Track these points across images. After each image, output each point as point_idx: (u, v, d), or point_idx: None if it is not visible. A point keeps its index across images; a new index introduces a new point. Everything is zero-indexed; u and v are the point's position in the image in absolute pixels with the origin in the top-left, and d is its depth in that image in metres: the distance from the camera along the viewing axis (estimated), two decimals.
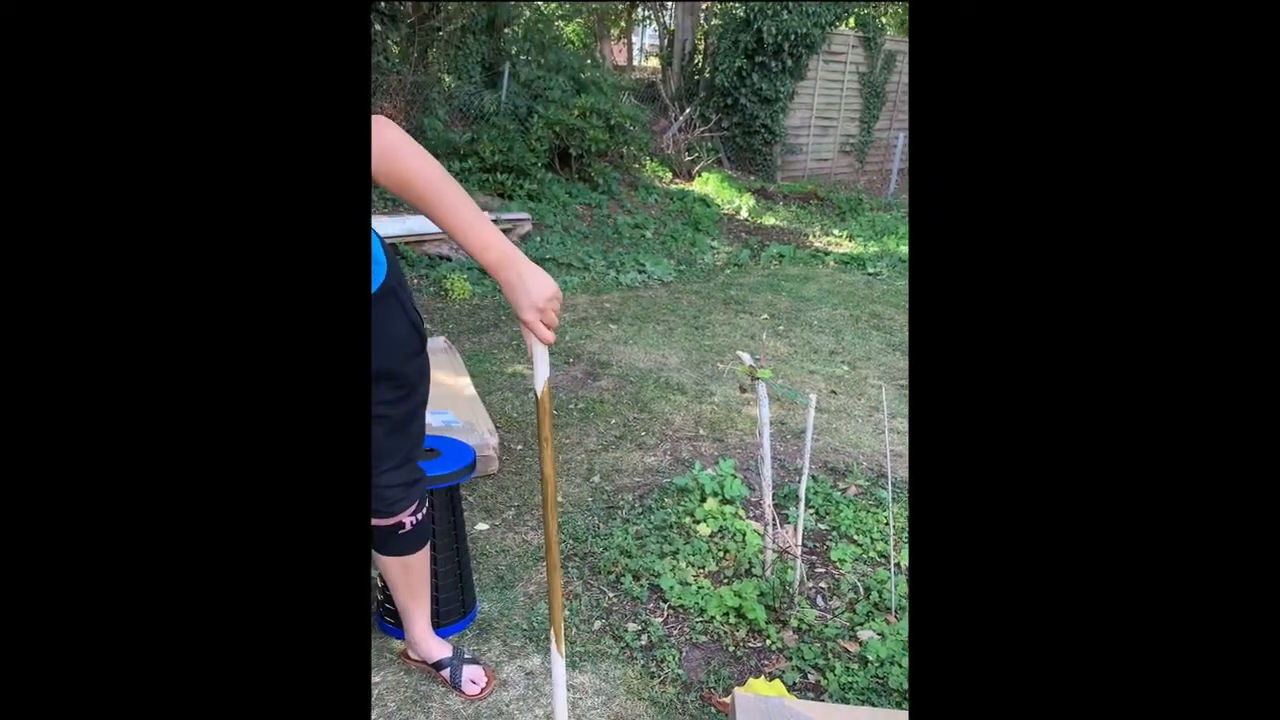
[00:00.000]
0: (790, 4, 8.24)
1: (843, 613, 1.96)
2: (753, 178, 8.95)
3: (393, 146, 1.07)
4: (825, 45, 8.94)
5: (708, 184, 8.16)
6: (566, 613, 1.97)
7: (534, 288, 1.09)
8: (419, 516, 1.55)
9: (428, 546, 1.62)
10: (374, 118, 1.06)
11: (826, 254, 6.47)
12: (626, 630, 1.90)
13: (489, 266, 1.11)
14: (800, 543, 1.94)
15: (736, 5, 8.48)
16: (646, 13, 11.57)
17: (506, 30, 7.57)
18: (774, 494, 2.53)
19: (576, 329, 4.24)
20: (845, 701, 1.67)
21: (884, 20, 10.25)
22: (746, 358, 1.75)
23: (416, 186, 1.08)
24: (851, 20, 9.28)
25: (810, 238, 7.08)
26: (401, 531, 1.53)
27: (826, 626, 1.89)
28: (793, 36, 8.40)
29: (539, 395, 1.14)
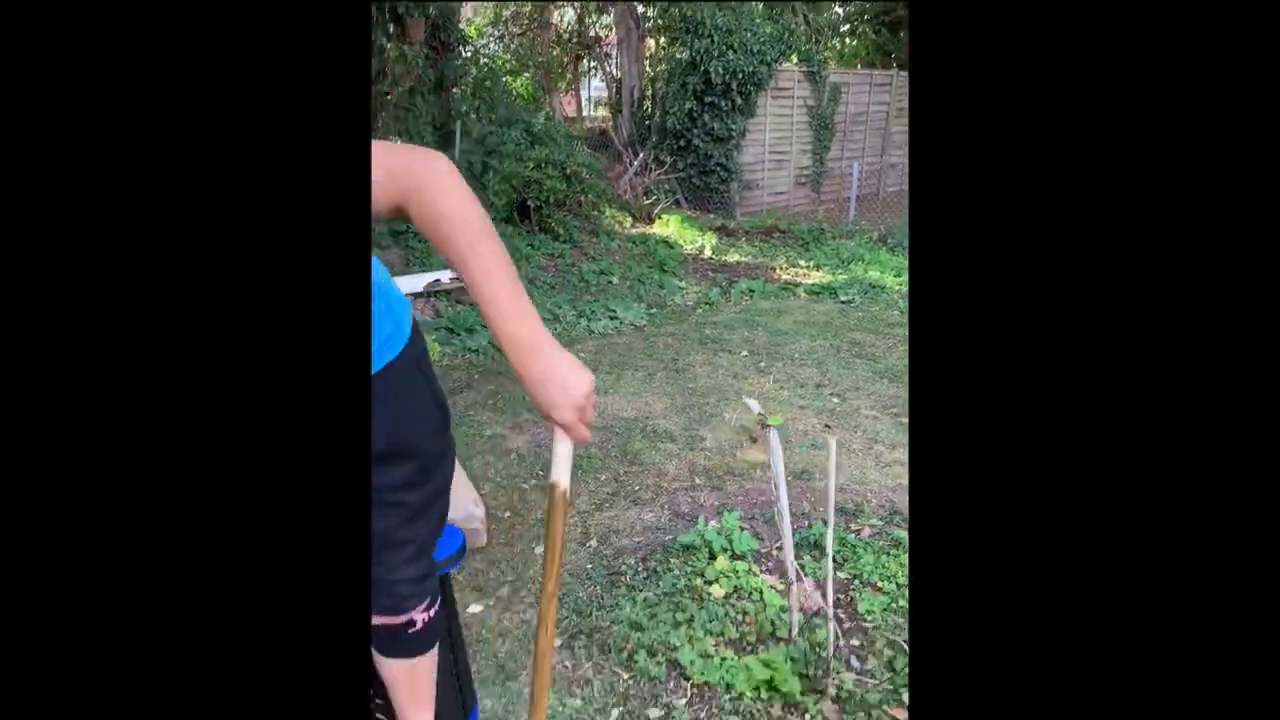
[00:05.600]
0: (735, 43, 8.35)
1: (883, 674, 1.78)
2: (712, 216, 8.95)
3: (442, 182, 0.90)
4: (772, 82, 9.06)
5: (669, 225, 8.12)
6: (578, 701, 1.77)
7: (573, 382, 0.90)
8: (431, 613, 1.34)
9: (436, 646, 1.42)
10: (425, 150, 0.91)
11: (796, 285, 6.42)
12: (647, 718, 1.70)
13: (515, 348, 0.91)
14: (831, 599, 1.78)
15: (681, 49, 8.57)
16: (591, 63, 11.68)
17: (455, 89, 7.52)
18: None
19: None
20: None
21: (826, 54, 10.47)
22: (754, 405, 1.60)
23: (455, 232, 0.90)
24: (795, 57, 9.45)
25: (777, 270, 7.04)
26: (412, 630, 1.32)
27: (868, 692, 1.71)
28: (740, 75, 8.50)
29: (557, 494, 0.94)
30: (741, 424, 3.38)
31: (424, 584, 1.30)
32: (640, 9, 9.44)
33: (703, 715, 1.71)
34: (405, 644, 1.33)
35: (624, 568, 2.31)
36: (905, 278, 6.44)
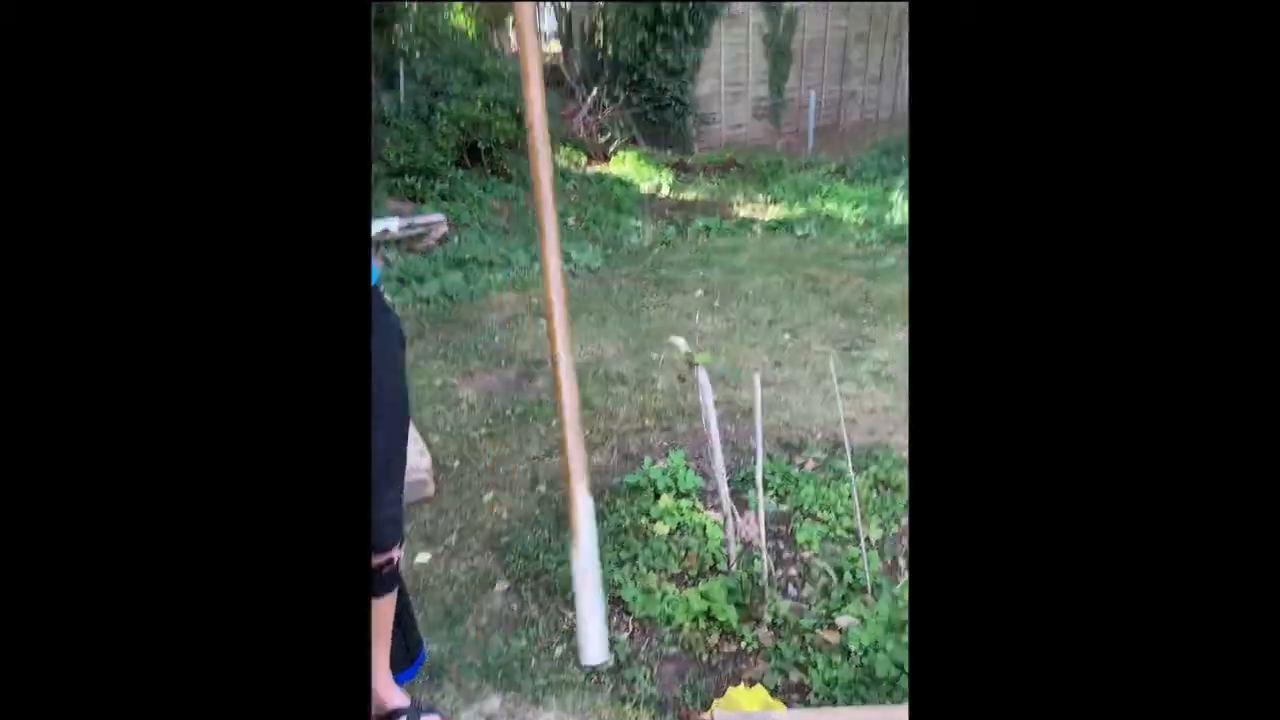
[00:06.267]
0: None
1: (818, 600, 1.84)
2: (669, 152, 8.80)
3: None
4: (726, 10, 8.82)
5: (625, 164, 7.98)
6: (523, 642, 1.81)
7: None
8: (401, 552, 1.41)
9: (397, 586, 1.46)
10: None
11: (753, 221, 6.38)
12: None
13: None
14: (764, 532, 1.82)
15: None
16: None
17: (396, 27, 7.22)
18: (730, 481, 2.41)
19: (507, 329, 4.04)
20: (832, 699, 1.55)
21: None
22: (681, 343, 1.60)
23: None
24: None
25: (735, 207, 6.99)
26: (386, 570, 1.37)
27: (803, 618, 1.77)
28: (691, 4, 8.26)
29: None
30: (673, 363, 3.40)
31: (402, 524, 1.41)
32: None
33: (643, 646, 1.76)
34: (381, 582, 1.38)
35: None
36: (863, 209, 6.44)
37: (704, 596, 1.80)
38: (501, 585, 2.04)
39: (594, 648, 0.70)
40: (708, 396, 1.65)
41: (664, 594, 1.88)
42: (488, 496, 2.47)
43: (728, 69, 9.41)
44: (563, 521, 2.29)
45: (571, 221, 6.31)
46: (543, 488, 2.51)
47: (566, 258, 5.38)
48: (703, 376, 1.64)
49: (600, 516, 2.29)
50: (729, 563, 1.94)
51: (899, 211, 6.28)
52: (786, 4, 9.67)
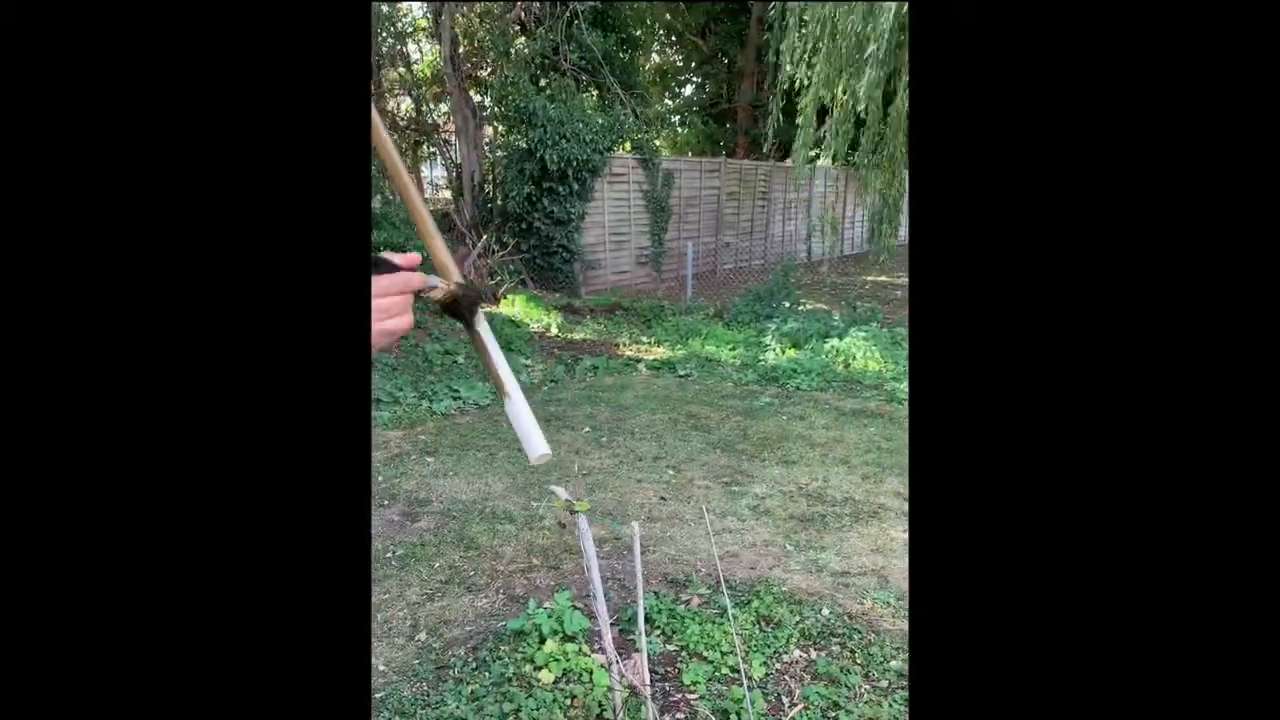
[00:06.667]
0: (568, 133, 8.71)
1: None
2: (557, 295, 9.12)
3: None
4: (607, 169, 9.49)
5: (514, 305, 8.19)
6: None
7: None
8: None
9: None
10: None
11: (638, 361, 6.63)
12: None
13: None
14: (648, 679, 1.82)
15: (518, 137, 8.83)
16: (431, 148, 11.75)
17: None
18: (615, 621, 2.39)
19: (390, 467, 3.93)
20: None
21: (658, 143, 11.12)
22: (561, 492, 1.65)
23: None
24: (628, 145, 9.98)
25: (621, 347, 7.25)
26: None
27: None
28: (575, 163, 8.85)
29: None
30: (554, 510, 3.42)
31: None
32: (477, 98, 9.69)
33: None
34: None
35: (452, 660, 2.25)
36: (739, 351, 6.83)
37: None
38: None
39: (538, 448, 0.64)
40: (588, 542, 1.69)
41: None
42: None
43: (611, 219, 10.02)
44: (442, 672, 2.19)
45: (461, 360, 6.33)
46: (422, 635, 2.40)
47: (455, 395, 5.37)
48: (583, 523, 1.68)
49: (483, 665, 2.21)
50: (615, 710, 1.91)
51: (772, 353, 6.71)
52: (664, 165, 10.53)
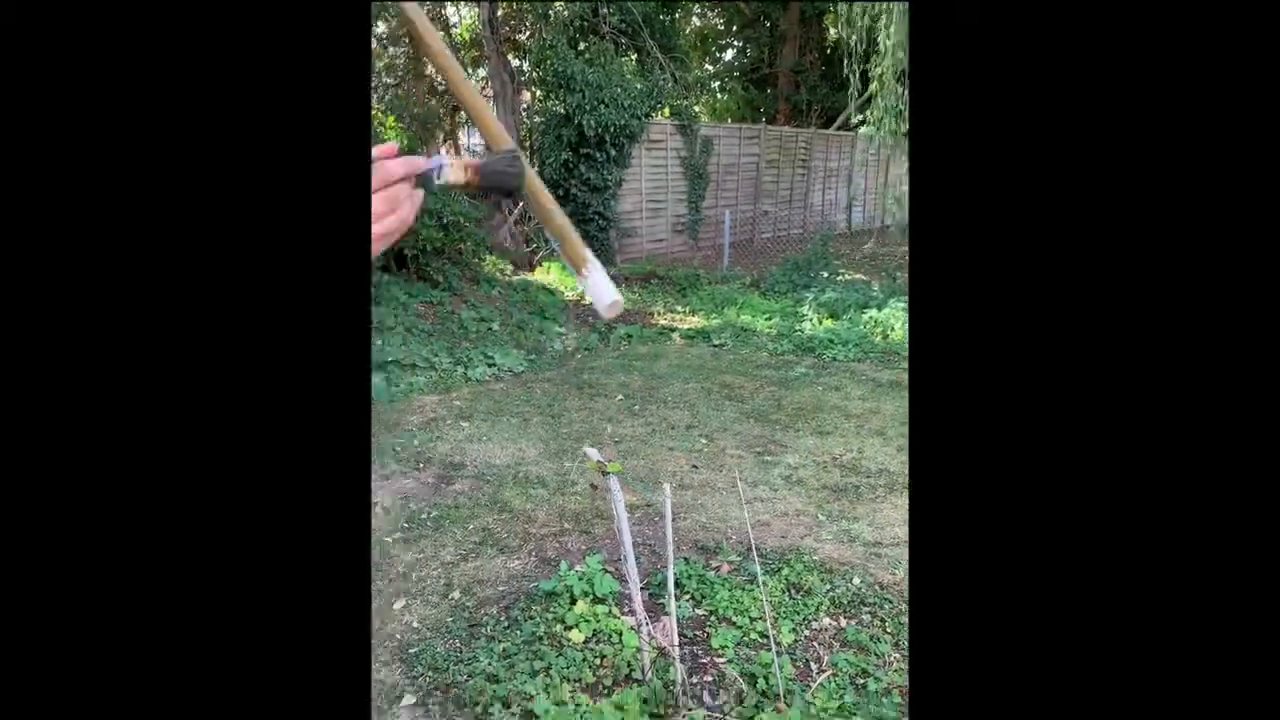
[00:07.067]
0: (606, 98, 8.61)
1: (731, 708, 1.85)
2: None
3: None
4: (645, 135, 9.38)
5: (550, 273, 8.20)
6: None
7: None
8: None
9: None
10: None
11: (673, 330, 6.60)
12: None
13: None
14: (677, 640, 1.83)
15: (555, 103, 8.76)
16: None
17: None
18: (645, 585, 2.41)
19: (426, 431, 4.00)
20: None
21: (697, 109, 10.96)
22: (594, 453, 1.66)
23: None
24: (666, 110, 9.84)
25: (655, 316, 7.23)
26: None
27: None
28: (612, 129, 8.76)
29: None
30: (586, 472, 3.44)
31: None
32: (515, 63, 9.61)
33: None
34: None
35: (485, 619, 2.29)
36: (775, 321, 6.77)
37: (618, 708, 1.78)
38: (409, 699, 1.96)
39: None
40: (619, 504, 1.70)
41: (578, 705, 1.85)
42: (398, 604, 2.40)
43: (648, 186, 9.93)
44: (475, 630, 2.24)
45: (496, 326, 6.38)
46: (456, 594, 2.45)
47: (490, 362, 5.42)
48: (615, 484, 1.69)
49: (515, 624, 2.25)
50: (643, 670, 1.93)
51: (809, 323, 6.63)
52: (703, 132, 10.37)
